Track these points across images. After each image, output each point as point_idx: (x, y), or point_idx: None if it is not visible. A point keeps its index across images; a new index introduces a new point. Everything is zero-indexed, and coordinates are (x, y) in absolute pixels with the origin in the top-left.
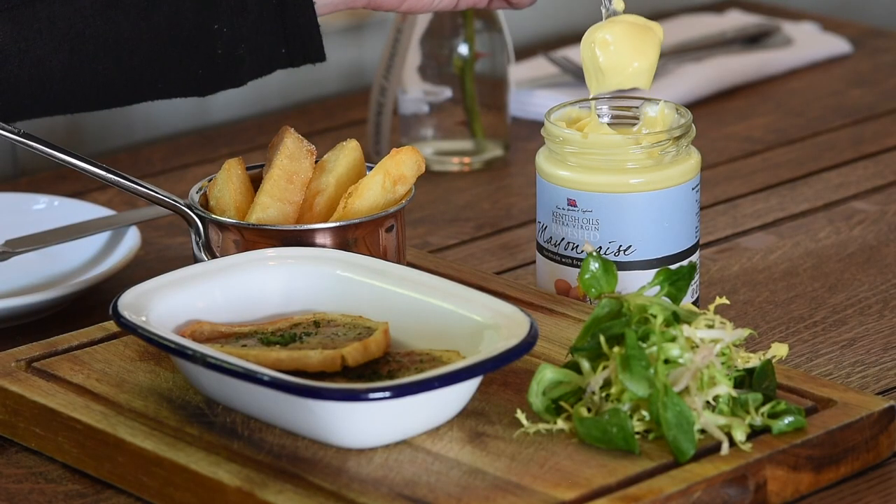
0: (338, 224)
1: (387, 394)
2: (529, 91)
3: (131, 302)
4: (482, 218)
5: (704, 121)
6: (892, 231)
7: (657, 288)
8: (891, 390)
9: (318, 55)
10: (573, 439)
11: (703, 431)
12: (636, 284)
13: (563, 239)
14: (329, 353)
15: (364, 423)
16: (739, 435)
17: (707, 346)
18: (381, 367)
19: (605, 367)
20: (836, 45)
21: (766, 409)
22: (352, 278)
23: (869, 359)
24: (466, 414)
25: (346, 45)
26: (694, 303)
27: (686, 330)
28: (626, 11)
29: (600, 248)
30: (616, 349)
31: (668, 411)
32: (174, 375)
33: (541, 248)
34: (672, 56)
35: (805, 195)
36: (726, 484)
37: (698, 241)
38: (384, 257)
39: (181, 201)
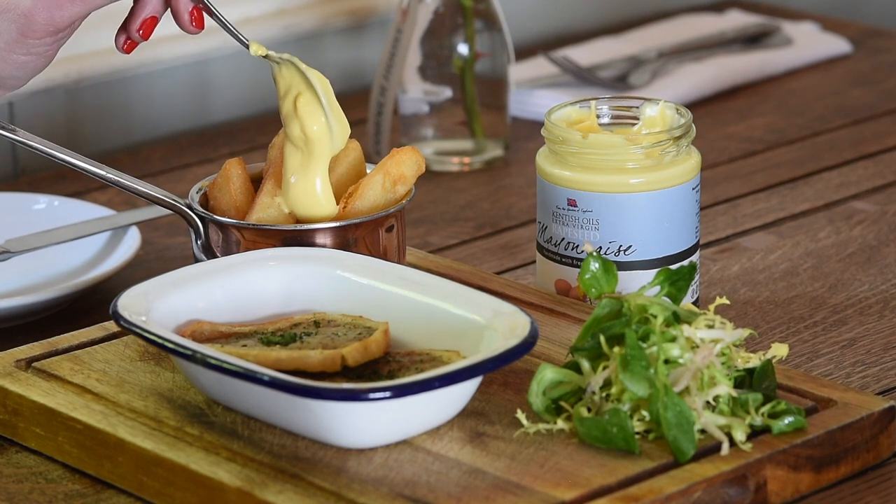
0: (338, 224)
1: (387, 394)
2: (529, 91)
3: (131, 302)
4: (482, 218)
5: (704, 121)
6: (892, 231)
7: (657, 288)
8: (891, 390)
9: None
10: (573, 439)
11: (703, 431)
12: (636, 284)
13: (563, 239)
14: (329, 353)
15: (364, 423)
16: (739, 435)
17: (707, 346)
18: (382, 367)
19: (605, 367)
20: (836, 45)
21: (766, 409)
22: (352, 278)
23: (869, 359)
24: (466, 414)
25: (346, 45)
26: (694, 303)
27: (686, 330)
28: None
29: (600, 248)
30: (616, 349)
31: (669, 411)
32: (174, 375)
33: (541, 248)
34: (672, 56)
35: (805, 195)
36: (726, 484)
37: (698, 241)
38: (384, 257)
39: (181, 201)
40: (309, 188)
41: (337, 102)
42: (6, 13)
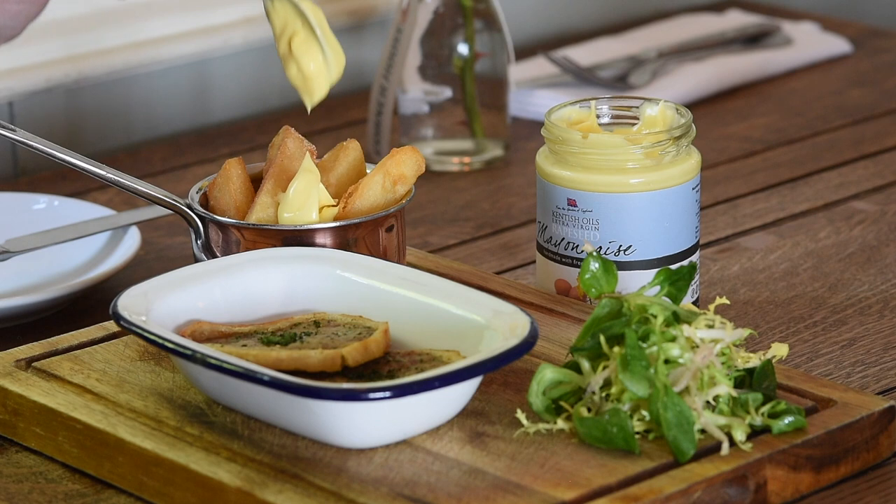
0: (338, 224)
1: (387, 394)
2: (529, 91)
3: (131, 302)
4: (482, 218)
5: (704, 121)
6: (892, 231)
7: (657, 288)
8: (891, 390)
9: None
10: (573, 439)
11: (703, 431)
12: (636, 284)
13: (563, 239)
14: (329, 353)
15: (364, 423)
16: (739, 435)
17: (707, 346)
18: (382, 367)
19: (605, 367)
20: (836, 45)
21: (766, 409)
22: (352, 278)
23: (869, 359)
24: (466, 414)
25: (346, 45)
26: (694, 303)
27: (686, 330)
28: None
29: (600, 248)
30: (616, 349)
31: (668, 411)
32: (174, 375)
33: (541, 248)
34: (672, 56)
35: (805, 195)
36: (726, 484)
37: (698, 241)
38: (384, 257)
39: (181, 201)
40: (306, 216)
41: (331, 32)
42: None
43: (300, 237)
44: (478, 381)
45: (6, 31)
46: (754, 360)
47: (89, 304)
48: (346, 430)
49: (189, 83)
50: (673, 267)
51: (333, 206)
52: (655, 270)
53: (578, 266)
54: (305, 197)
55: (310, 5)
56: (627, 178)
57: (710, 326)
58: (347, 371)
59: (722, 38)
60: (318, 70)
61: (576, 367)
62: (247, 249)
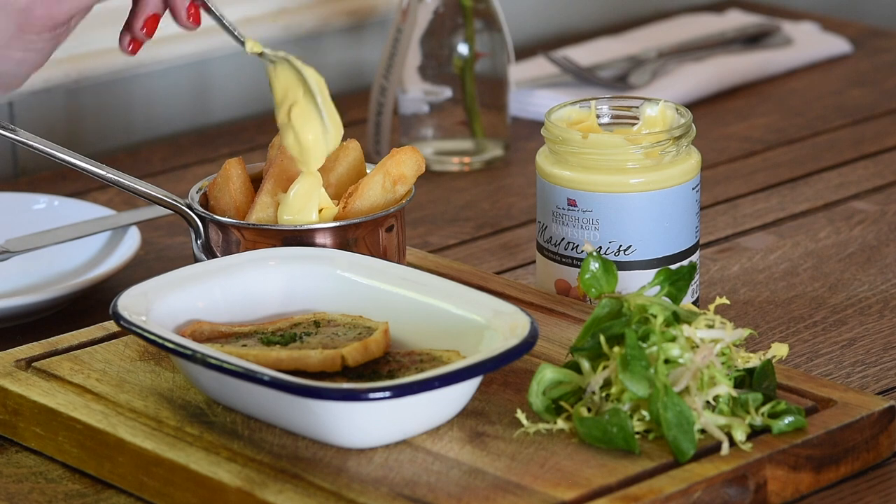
0: (338, 224)
1: (387, 394)
2: (529, 91)
3: (131, 302)
4: (482, 218)
5: (704, 121)
6: (892, 231)
7: (657, 288)
8: (891, 390)
9: None
10: (573, 439)
11: (703, 431)
12: (636, 284)
13: (563, 239)
14: (329, 353)
15: (364, 423)
16: (739, 435)
17: (707, 346)
18: (382, 367)
19: (605, 367)
20: (836, 45)
21: (766, 409)
22: (352, 278)
23: (869, 359)
24: (466, 414)
25: (346, 45)
26: (694, 303)
27: (686, 330)
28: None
29: (600, 248)
30: (616, 349)
31: (668, 411)
32: (174, 375)
33: (541, 248)
34: (672, 56)
35: (805, 195)
36: (726, 484)
37: (698, 241)
38: (384, 257)
39: (181, 201)
40: (305, 219)
41: (331, 101)
42: (4, 8)
43: (300, 237)
44: (478, 381)
45: (8, 80)
46: (754, 360)
47: (89, 304)
48: (346, 430)
49: (189, 83)
50: (673, 267)
51: (333, 207)
52: (655, 270)
53: (578, 266)
54: (306, 200)
55: (312, 72)
56: (627, 178)
57: (710, 326)
58: (347, 371)
59: (722, 38)
60: (315, 141)
61: (576, 367)
62: (247, 249)
